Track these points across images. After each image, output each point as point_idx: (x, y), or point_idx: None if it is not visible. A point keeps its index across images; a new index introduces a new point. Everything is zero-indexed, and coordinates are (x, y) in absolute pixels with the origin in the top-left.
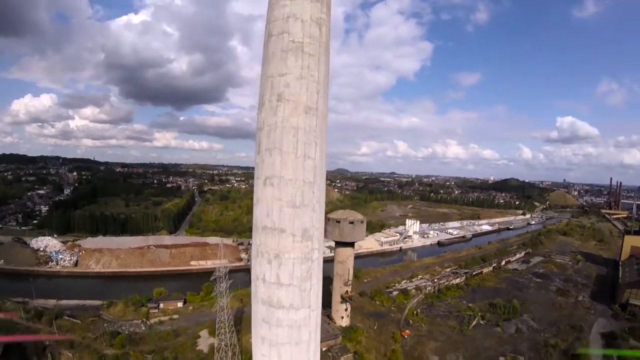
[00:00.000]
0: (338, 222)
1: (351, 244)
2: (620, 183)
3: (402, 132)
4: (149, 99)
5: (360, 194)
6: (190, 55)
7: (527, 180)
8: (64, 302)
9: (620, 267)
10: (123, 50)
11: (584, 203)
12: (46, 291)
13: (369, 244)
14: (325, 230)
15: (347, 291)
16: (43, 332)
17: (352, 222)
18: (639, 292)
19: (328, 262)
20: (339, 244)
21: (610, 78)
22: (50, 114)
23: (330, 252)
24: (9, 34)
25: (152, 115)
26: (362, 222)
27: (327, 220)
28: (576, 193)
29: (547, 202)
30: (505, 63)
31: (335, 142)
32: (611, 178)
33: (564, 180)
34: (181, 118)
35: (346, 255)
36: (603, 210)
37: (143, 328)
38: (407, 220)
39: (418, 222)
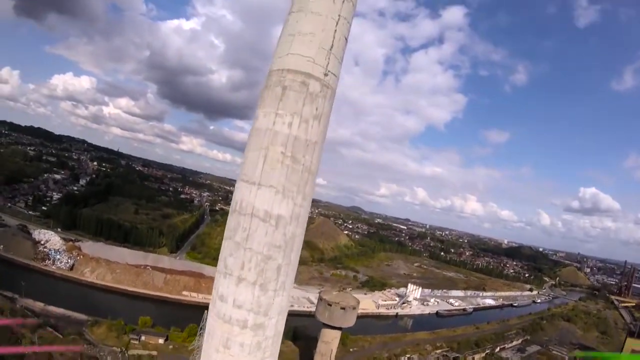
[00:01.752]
0: (330, 305)
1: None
2: (634, 269)
3: (424, 180)
4: (184, 103)
5: (370, 240)
6: (231, 70)
7: (541, 249)
8: (51, 307)
9: None
10: (168, 52)
11: (595, 282)
12: (36, 291)
13: (366, 304)
14: (316, 310)
15: None
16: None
17: (343, 308)
18: None
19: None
20: (327, 325)
21: (638, 153)
22: (86, 96)
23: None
24: (63, 12)
25: (183, 119)
26: (354, 308)
27: (319, 300)
28: (588, 270)
29: (557, 279)
30: (536, 126)
31: (355, 178)
32: (626, 261)
33: (579, 253)
34: (211, 127)
35: (332, 337)
36: (612, 297)
37: (120, 359)
38: (409, 284)
39: (420, 288)
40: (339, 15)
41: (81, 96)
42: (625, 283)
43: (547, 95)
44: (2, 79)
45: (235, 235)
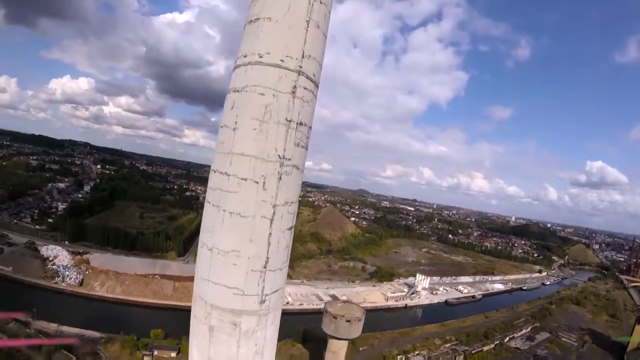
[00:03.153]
0: (335, 317)
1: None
2: None
3: (429, 159)
4: (184, 97)
5: (377, 226)
6: (228, 59)
7: (549, 225)
8: (65, 328)
9: None
10: (164, 47)
11: (604, 259)
12: (48, 311)
13: (375, 297)
14: (322, 322)
15: None
16: None
17: (349, 321)
18: None
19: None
20: (333, 336)
21: None
22: (85, 97)
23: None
24: (54, 16)
25: (185, 112)
26: (359, 319)
27: (324, 312)
28: (597, 247)
29: (566, 257)
30: (540, 100)
31: (360, 161)
32: (634, 238)
33: (587, 228)
34: (212, 119)
35: (338, 347)
36: (621, 276)
37: None
38: (417, 274)
39: (428, 278)
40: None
41: (80, 98)
42: (635, 260)
43: (550, 69)
44: (0, 87)
45: None
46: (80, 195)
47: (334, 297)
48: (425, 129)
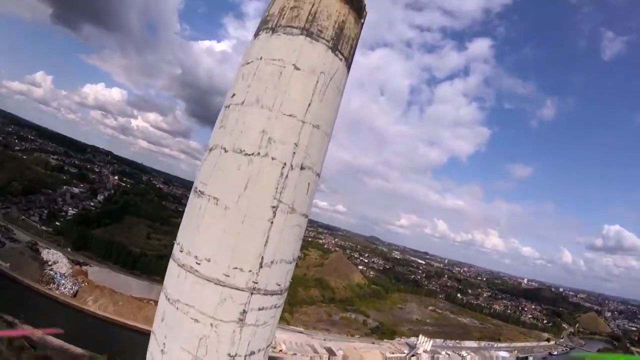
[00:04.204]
0: None
1: None
2: None
3: (444, 212)
4: (211, 123)
5: (385, 278)
6: None
7: (561, 289)
8: (49, 338)
9: None
10: (199, 71)
11: (616, 328)
12: (36, 317)
13: (372, 356)
14: None
15: None
16: None
17: None
18: None
19: None
20: None
21: None
22: (116, 107)
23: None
24: (100, 24)
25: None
26: None
27: None
28: (609, 314)
29: (577, 325)
30: (560, 161)
31: (375, 207)
32: None
33: (600, 295)
34: None
35: None
36: (633, 348)
37: None
38: (420, 335)
39: (431, 341)
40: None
41: (111, 107)
42: None
43: (572, 130)
44: (36, 82)
45: None
46: (92, 204)
47: (330, 350)
48: (444, 181)
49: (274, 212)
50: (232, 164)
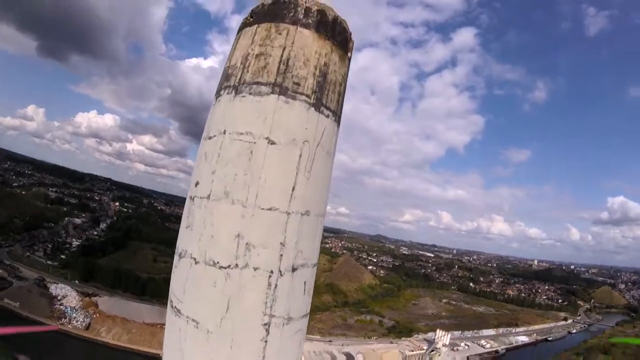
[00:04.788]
0: None
1: None
2: None
3: (447, 204)
4: None
5: (395, 276)
6: None
7: (572, 267)
8: None
9: None
10: (188, 90)
11: (631, 299)
12: (52, 352)
13: (392, 356)
14: None
15: None
16: None
17: None
18: None
19: None
20: None
21: None
22: (110, 133)
23: None
24: (85, 53)
25: None
26: None
27: None
28: (623, 286)
29: (592, 301)
30: (557, 140)
31: (377, 206)
32: None
33: (612, 267)
34: None
35: None
36: None
37: None
38: (437, 330)
39: (449, 334)
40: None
41: (105, 133)
42: None
43: (567, 108)
44: (27, 116)
45: None
46: (95, 233)
47: (348, 355)
48: (443, 173)
49: (267, 330)
50: (206, 279)
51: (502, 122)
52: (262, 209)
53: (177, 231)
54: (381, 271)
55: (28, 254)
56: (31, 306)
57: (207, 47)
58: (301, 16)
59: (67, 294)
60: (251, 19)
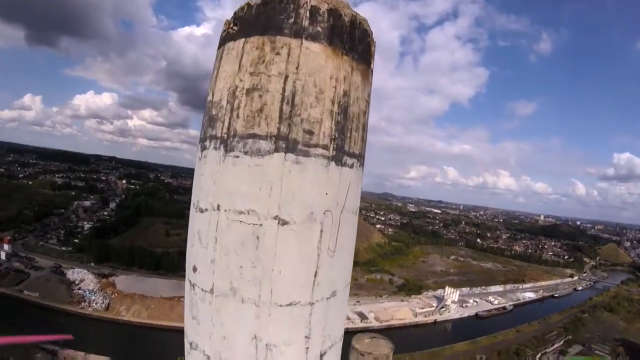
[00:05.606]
0: (362, 355)
1: None
2: None
3: (453, 159)
4: None
5: (404, 234)
6: None
7: (578, 223)
8: (92, 356)
9: None
10: (184, 59)
11: (636, 258)
12: (75, 337)
13: (403, 313)
14: (348, 358)
15: None
16: None
17: (376, 358)
18: None
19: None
20: None
21: None
22: (109, 112)
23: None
24: (74, 35)
25: None
26: (387, 356)
27: (351, 348)
28: (628, 244)
29: (597, 258)
30: (564, 94)
31: (383, 164)
32: None
33: (617, 224)
34: None
35: None
36: None
37: None
38: (446, 287)
39: (457, 291)
40: None
41: (104, 112)
42: None
43: (573, 61)
44: (25, 105)
45: None
46: (105, 213)
47: (361, 315)
48: (448, 128)
49: None
50: None
51: (507, 74)
52: (280, 305)
53: (186, 202)
54: (389, 229)
55: (42, 243)
56: (51, 294)
57: (199, 14)
58: (306, 22)
59: (84, 278)
60: (235, 28)
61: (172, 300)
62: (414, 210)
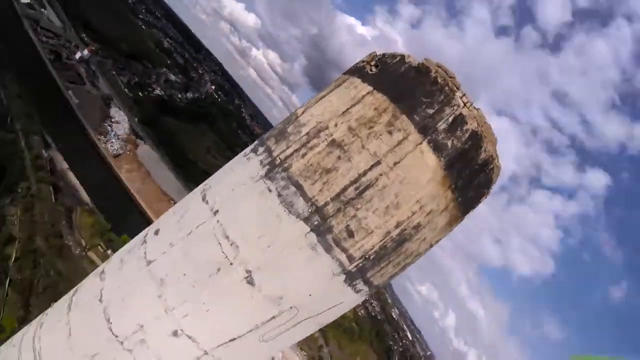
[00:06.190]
0: None
1: None
2: None
3: None
4: (320, 90)
5: None
6: None
7: None
8: (71, 176)
9: None
10: (332, 41)
11: None
12: (70, 154)
13: None
14: None
15: None
16: None
17: None
18: None
19: None
20: None
21: None
22: (246, 31)
23: None
24: None
25: None
26: None
27: None
28: None
29: None
30: None
31: None
32: None
33: None
34: None
35: None
36: None
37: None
38: None
39: None
40: None
41: (241, 28)
42: None
43: None
44: None
45: None
46: (179, 96)
47: None
48: None
49: None
50: None
51: None
52: None
53: (243, 142)
54: None
55: (114, 72)
56: (86, 110)
57: (370, 16)
58: (442, 126)
59: (120, 121)
60: (373, 70)
61: (164, 196)
62: None
